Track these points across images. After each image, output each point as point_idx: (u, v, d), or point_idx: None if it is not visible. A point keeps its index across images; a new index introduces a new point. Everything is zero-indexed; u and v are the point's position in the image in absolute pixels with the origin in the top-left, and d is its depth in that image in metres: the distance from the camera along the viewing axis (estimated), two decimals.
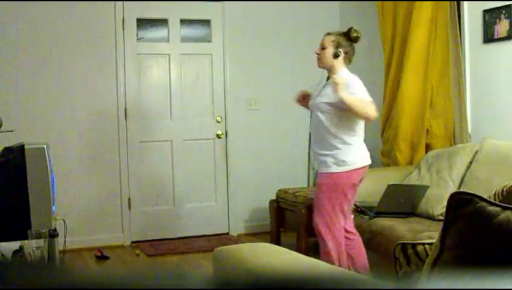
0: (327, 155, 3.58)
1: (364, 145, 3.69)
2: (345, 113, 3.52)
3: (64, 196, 5.03)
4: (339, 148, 3.57)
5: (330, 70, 3.67)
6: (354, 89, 3.52)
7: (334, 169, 3.56)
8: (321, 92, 3.65)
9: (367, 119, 3.61)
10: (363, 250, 3.72)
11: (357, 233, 3.74)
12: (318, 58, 3.68)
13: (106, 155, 5.47)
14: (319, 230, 3.61)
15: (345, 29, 3.73)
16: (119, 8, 5.50)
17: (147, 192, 5.62)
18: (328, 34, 3.70)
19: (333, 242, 3.58)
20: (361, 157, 3.62)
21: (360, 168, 3.60)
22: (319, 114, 3.60)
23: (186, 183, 5.73)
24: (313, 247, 3.96)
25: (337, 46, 3.63)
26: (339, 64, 3.64)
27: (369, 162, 3.70)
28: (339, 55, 3.64)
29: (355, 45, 3.70)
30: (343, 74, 3.63)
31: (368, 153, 3.69)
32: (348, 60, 3.68)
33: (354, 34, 3.66)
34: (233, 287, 0.68)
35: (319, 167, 3.63)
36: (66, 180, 5.21)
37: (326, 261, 3.36)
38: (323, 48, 3.65)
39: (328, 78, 3.70)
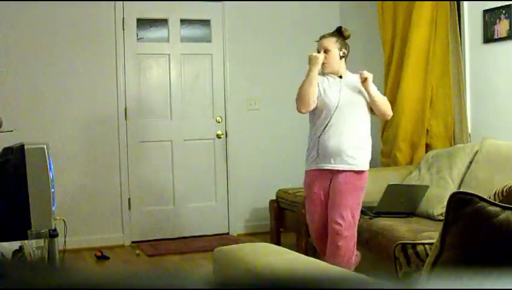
0: (362, 149, 3.57)
1: None
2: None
3: (64, 196, 5.03)
4: (367, 146, 3.62)
5: (335, 72, 3.59)
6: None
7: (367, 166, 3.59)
8: (342, 91, 3.55)
9: (384, 117, 3.67)
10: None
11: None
12: (324, 63, 3.54)
13: (106, 155, 5.47)
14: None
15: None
16: (119, 8, 5.50)
17: (147, 192, 5.62)
18: (324, 36, 3.61)
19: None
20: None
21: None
22: (349, 114, 3.52)
23: (186, 183, 5.73)
24: (313, 247, 3.96)
25: (341, 47, 3.59)
26: (343, 65, 3.62)
27: None
28: (344, 56, 3.59)
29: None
30: (350, 74, 3.62)
31: None
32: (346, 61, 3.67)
33: (347, 33, 3.63)
34: (233, 287, 0.68)
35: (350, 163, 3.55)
36: (66, 180, 5.21)
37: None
38: (326, 51, 3.55)
39: (340, 76, 3.59)
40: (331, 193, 3.56)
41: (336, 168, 3.54)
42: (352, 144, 3.53)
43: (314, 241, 3.78)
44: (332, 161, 3.53)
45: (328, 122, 3.52)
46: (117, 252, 5.26)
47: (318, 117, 3.57)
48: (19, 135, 4.08)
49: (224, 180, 5.86)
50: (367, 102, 3.57)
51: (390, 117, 3.72)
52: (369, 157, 3.65)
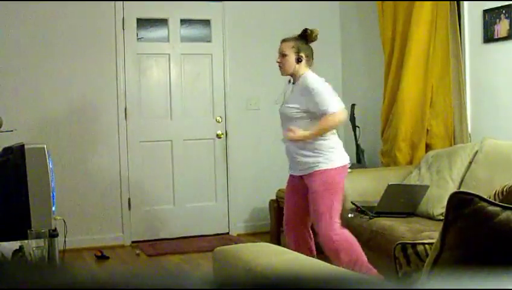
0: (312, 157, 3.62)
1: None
2: (314, 117, 3.58)
3: (64, 196, 5.03)
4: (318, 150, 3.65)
5: (295, 76, 3.67)
6: (318, 91, 3.55)
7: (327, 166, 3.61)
8: (289, 98, 3.66)
9: (340, 125, 3.74)
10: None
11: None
12: (280, 67, 3.68)
13: (106, 155, 5.47)
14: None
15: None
16: (119, 8, 5.50)
17: (147, 192, 5.62)
18: (284, 40, 3.69)
19: None
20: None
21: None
22: (290, 122, 3.59)
23: (186, 183, 5.73)
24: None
25: (298, 50, 3.64)
26: (302, 68, 3.65)
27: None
28: (301, 60, 3.64)
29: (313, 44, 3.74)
30: (308, 76, 3.63)
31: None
32: (310, 62, 3.70)
33: (314, 34, 3.66)
34: (233, 287, 0.68)
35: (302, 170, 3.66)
36: (66, 180, 5.21)
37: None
38: (283, 55, 3.65)
39: (293, 82, 3.70)
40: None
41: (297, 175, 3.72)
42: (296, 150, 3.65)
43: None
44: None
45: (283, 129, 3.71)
46: (117, 252, 5.26)
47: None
48: (19, 135, 4.09)
49: (224, 180, 5.86)
50: (307, 109, 3.59)
51: (344, 120, 3.74)
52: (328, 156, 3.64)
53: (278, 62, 3.69)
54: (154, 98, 5.66)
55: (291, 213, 3.80)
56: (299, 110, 3.58)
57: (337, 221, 3.60)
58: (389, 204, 4.04)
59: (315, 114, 3.54)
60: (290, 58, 3.62)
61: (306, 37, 3.66)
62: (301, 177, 3.68)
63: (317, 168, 3.58)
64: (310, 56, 3.68)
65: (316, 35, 3.67)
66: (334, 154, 3.61)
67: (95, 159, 5.44)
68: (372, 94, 5.58)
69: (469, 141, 4.55)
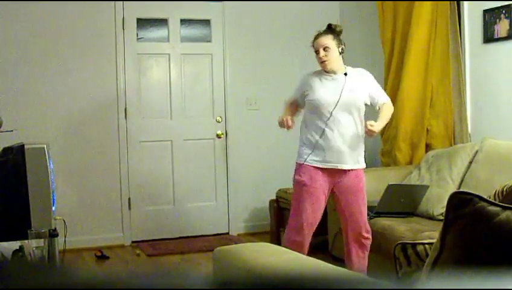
0: (361, 151, 3.61)
1: None
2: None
3: (64, 196, 5.03)
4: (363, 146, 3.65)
5: (336, 68, 3.58)
6: (370, 77, 3.64)
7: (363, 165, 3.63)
8: (342, 91, 3.51)
9: None
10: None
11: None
12: (325, 61, 3.52)
13: (106, 155, 5.47)
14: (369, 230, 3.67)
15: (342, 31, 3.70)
16: (119, 8, 5.50)
17: (147, 192, 5.62)
18: (322, 34, 3.57)
19: None
20: None
21: None
22: (350, 112, 3.53)
23: (186, 183, 5.73)
24: (313, 247, 3.95)
25: (338, 43, 3.58)
26: (341, 60, 3.62)
27: None
28: (343, 52, 3.60)
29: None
30: (349, 69, 3.62)
31: None
32: None
33: (339, 28, 3.62)
34: (233, 287, 0.68)
35: (354, 164, 3.57)
36: (66, 180, 5.21)
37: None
38: (327, 49, 3.53)
39: (345, 74, 3.57)
40: (340, 193, 3.65)
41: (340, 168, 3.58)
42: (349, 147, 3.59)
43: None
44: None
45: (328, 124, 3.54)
46: (117, 252, 5.26)
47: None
48: (19, 135, 4.09)
49: (224, 180, 5.86)
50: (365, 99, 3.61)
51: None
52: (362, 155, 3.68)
53: (322, 57, 3.52)
54: (154, 98, 5.66)
55: (318, 214, 3.58)
56: (363, 100, 3.57)
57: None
58: (389, 204, 4.04)
59: (375, 103, 3.61)
60: (334, 51, 3.53)
61: (335, 30, 3.60)
62: (337, 172, 3.53)
63: (362, 165, 3.60)
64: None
65: (341, 29, 3.63)
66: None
67: (95, 159, 5.43)
68: None
69: (469, 141, 4.55)
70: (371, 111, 3.74)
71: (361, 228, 3.60)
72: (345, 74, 3.57)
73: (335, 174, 3.54)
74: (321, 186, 3.53)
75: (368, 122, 3.44)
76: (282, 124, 3.59)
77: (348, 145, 3.51)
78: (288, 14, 5.96)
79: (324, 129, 3.50)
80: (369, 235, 3.62)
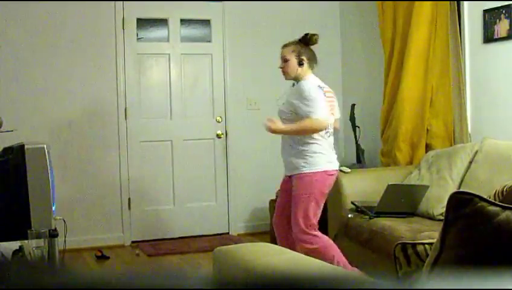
0: (297, 160, 3.69)
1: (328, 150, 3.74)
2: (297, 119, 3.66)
3: (64, 196, 5.03)
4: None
5: (298, 79, 3.73)
6: (309, 96, 3.60)
7: (307, 170, 3.66)
8: (285, 99, 3.74)
9: (316, 132, 3.68)
10: None
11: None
12: (283, 72, 3.74)
13: (106, 155, 5.47)
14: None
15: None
16: (119, 8, 5.50)
17: (147, 192, 5.62)
18: (285, 45, 3.78)
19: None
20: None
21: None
22: (283, 121, 3.69)
23: (186, 183, 5.73)
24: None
25: (299, 54, 3.71)
26: (304, 71, 3.72)
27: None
28: (303, 64, 3.71)
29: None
30: (305, 81, 3.69)
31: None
32: (312, 65, 3.76)
33: (313, 38, 3.74)
34: (233, 287, 0.68)
35: (292, 170, 3.72)
36: (66, 180, 5.21)
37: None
38: (285, 61, 3.72)
39: (293, 84, 3.77)
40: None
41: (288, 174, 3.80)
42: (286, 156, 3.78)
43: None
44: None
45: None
46: (117, 252, 5.26)
47: None
48: (19, 135, 4.09)
49: (224, 180, 5.86)
50: (295, 111, 3.66)
51: (324, 128, 3.72)
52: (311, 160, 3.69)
53: (280, 68, 3.76)
54: (154, 98, 5.66)
55: (278, 211, 3.91)
56: (290, 111, 3.67)
57: (309, 229, 3.66)
58: (389, 204, 4.04)
59: (302, 118, 3.62)
60: (292, 63, 3.70)
61: (306, 41, 3.74)
62: (290, 177, 3.78)
63: (297, 171, 3.67)
64: (312, 59, 3.75)
65: (316, 39, 3.76)
66: (318, 159, 3.65)
67: (95, 159, 5.43)
68: (372, 94, 5.58)
69: (469, 141, 4.55)
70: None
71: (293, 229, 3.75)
72: (293, 85, 3.76)
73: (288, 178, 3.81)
74: (283, 188, 3.89)
75: (272, 118, 3.67)
76: None
77: (286, 154, 3.75)
78: (288, 14, 5.96)
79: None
80: (301, 243, 3.68)
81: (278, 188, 5.23)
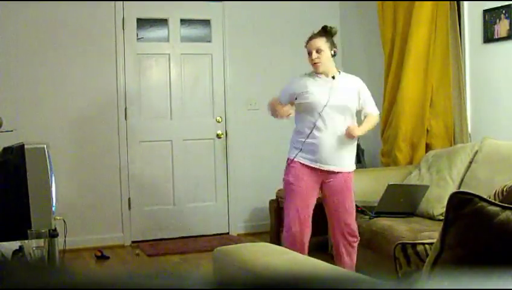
0: (351, 154, 3.65)
1: None
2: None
3: (64, 196, 5.03)
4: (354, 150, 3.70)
5: (328, 71, 3.61)
6: (363, 86, 3.69)
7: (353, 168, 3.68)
8: (332, 93, 3.56)
9: None
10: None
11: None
12: (317, 63, 3.56)
13: (106, 155, 5.47)
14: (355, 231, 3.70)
15: (340, 30, 3.72)
16: (119, 8, 5.50)
17: (147, 192, 5.62)
18: (315, 36, 3.61)
19: None
20: None
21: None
22: (342, 115, 3.56)
23: (186, 183, 5.73)
24: (313, 247, 3.95)
25: (331, 45, 3.62)
26: (333, 63, 3.65)
27: None
28: (335, 55, 3.64)
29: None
30: (342, 74, 3.67)
31: None
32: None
33: (334, 30, 3.66)
34: (233, 287, 0.68)
35: (341, 166, 3.61)
36: (66, 180, 5.21)
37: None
38: (319, 51, 3.57)
39: (333, 77, 3.60)
40: (328, 193, 3.63)
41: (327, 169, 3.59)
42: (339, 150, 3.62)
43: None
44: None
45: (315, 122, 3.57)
46: (117, 252, 5.26)
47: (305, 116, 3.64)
48: (19, 135, 4.09)
49: (224, 180, 5.86)
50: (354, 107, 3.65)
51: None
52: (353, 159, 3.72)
53: (314, 59, 3.56)
54: (154, 98, 5.66)
55: (311, 210, 3.61)
56: (353, 104, 3.61)
57: None
58: (389, 204, 4.04)
59: (352, 111, 3.62)
60: (327, 53, 3.58)
61: (330, 32, 3.64)
62: (326, 172, 3.57)
63: (352, 168, 3.65)
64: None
65: (336, 31, 3.66)
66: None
67: (95, 159, 5.43)
68: (372, 94, 5.56)
69: (469, 141, 4.55)
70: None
71: (348, 227, 3.64)
72: (333, 77, 3.60)
73: (323, 174, 3.58)
74: (307, 185, 3.57)
75: (352, 125, 3.55)
76: (277, 111, 3.68)
77: (335, 148, 3.55)
78: (288, 14, 5.96)
79: (313, 129, 3.54)
80: (355, 235, 3.65)
81: (278, 188, 5.24)
